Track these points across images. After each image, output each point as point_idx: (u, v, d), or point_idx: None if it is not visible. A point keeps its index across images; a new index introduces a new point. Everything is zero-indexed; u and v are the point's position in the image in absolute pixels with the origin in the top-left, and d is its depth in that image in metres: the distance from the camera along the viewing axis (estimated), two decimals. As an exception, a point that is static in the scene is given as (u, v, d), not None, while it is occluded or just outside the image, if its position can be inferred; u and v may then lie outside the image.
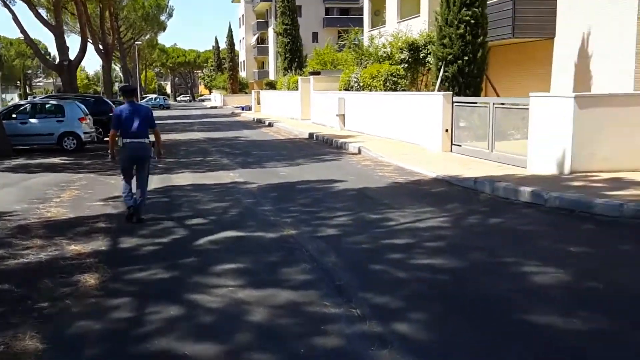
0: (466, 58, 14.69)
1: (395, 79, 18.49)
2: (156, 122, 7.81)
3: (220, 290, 4.90)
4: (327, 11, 64.20)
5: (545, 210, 7.80)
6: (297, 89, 29.64)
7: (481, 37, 14.88)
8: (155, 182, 10.88)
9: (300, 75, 31.92)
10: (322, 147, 17.28)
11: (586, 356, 3.61)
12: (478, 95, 15.01)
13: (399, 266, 5.46)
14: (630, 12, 15.55)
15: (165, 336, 3.99)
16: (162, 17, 63.73)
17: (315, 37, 60.18)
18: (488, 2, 15.54)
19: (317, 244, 6.26)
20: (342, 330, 4.00)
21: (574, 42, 17.63)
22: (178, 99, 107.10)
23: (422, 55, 19.03)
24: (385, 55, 20.44)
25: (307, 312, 4.35)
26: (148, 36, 66.56)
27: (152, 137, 7.76)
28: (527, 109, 10.65)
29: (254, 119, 34.36)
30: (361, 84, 20.45)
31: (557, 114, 9.83)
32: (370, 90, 19.52)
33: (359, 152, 15.04)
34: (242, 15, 78.57)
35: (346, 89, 21.87)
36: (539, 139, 10.27)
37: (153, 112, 8.09)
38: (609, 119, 9.75)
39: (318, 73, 29.19)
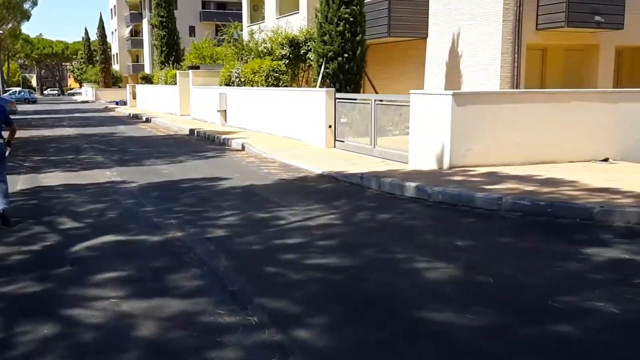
0: (346, 55, 14.87)
1: (277, 74, 18.36)
2: (21, 117, 7.12)
3: (102, 302, 4.48)
4: (204, 5, 62.90)
5: (429, 204, 8.00)
6: (176, 84, 28.69)
7: (360, 35, 15.14)
8: (20, 182, 9.98)
9: (178, 69, 30.92)
10: (204, 143, 16.78)
11: (483, 353, 3.64)
12: (358, 92, 15.27)
13: (293, 267, 5.31)
14: (496, 15, 16.50)
15: (39, 360, 3.56)
16: (26, 5, 59.31)
17: (192, 31, 58.74)
18: (366, 1, 15.83)
19: (206, 247, 5.96)
20: (240, 341, 3.77)
21: (445, 42, 18.45)
22: (45, 92, 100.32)
23: (302, 51, 19.05)
24: (266, 50, 20.26)
25: (200, 323, 4.07)
26: (10, 25, 61.61)
27: (5, 134, 7.05)
28: (408, 105, 10.92)
29: (129, 114, 32.82)
30: (242, 80, 20.12)
31: (436, 111, 10.15)
32: (252, 85, 19.25)
33: (243, 148, 14.75)
34: (114, 6, 75.01)
35: (227, 84, 21.44)
36: (419, 136, 10.56)
37: (18, 106, 7.35)
38: (484, 116, 10.22)
39: (197, 67, 28.43)
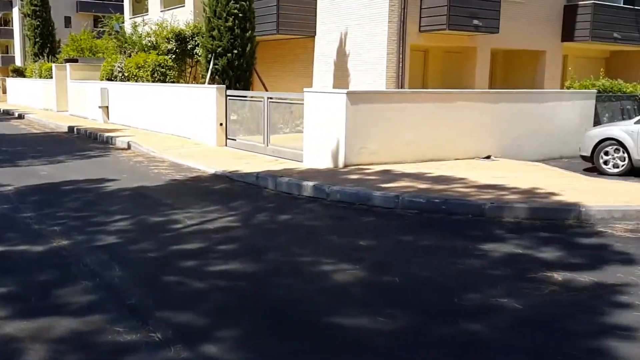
0: (236, 51, 14.58)
1: (164, 69, 17.65)
2: None
3: (-21, 325, 3.99)
4: (82, -6, 59.49)
5: (327, 204, 7.97)
6: (52, 78, 26.84)
7: (250, 31, 14.90)
8: None
9: (54, 62, 28.96)
10: (85, 142, 15.77)
11: (402, 358, 3.60)
12: (248, 89, 15.02)
13: (195, 275, 5.03)
14: (382, 16, 16.89)
15: None
16: None
17: (68, 21, 55.38)
18: (255, -3, 15.63)
19: (97, 256, 5.52)
20: (144, 361, 3.49)
21: (333, 41, 18.65)
22: None
23: (189, 46, 18.46)
24: (150, 44, 19.42)
25: (97, 344, 3.71)
26: None
27: None
28: (300, 104, 10.87)
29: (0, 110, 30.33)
30: (126, 74, 19.16)
31: (331, 109, 10.17)
32: (137, 80, 18.37)
33: (129, 147, 14.02)
34: (-22, -8, 69.07)
35: (109, 79, 20.33)
36: (314, 134, 10.53)
37: None
38: (377, 115, 10.37)
39: (75, 60, 26.77)
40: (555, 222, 6.90)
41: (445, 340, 3.78)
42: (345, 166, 9.97)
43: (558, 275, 4.98)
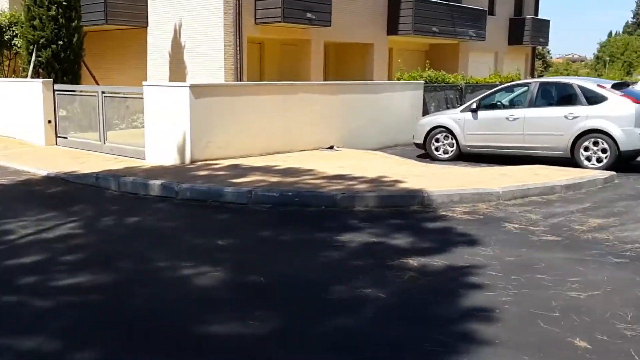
0: (61, 42, 13.50)
1: (-23, 62, 15.82)
2: None
3: None
4: None
5: (178, 203, 7.64)
6: None
7: (76, 21, 13.88)
8: None
9: None
10: None
11: None
12: (77, 82, 13.98)
13: (38, 293, 4.52)
14: (217, 7, 16.60)
15: None
16: None
17: None
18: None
19: None
20: (-8, 400, 3.04)
21: (167, 33, 18.00)
22: None
23: (7, 37, 16.70)
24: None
25: None
26: None
27: None
28: (141, 98, 10.32)
29: None
30: None
31: (174, 103, 9.76)
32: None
33: (-63, 150, 12.37)
34: None
35: None
36: (156, 130, 10.05)
37: None
38: (223, 108, 10.15)
39: None
40: (402, 208, 7.23)
41: (320, 338, 3.75)
42: (192, 162, 9.64)
43: (413, 261, 5.21)
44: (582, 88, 10.44)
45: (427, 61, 19.26)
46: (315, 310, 4.19)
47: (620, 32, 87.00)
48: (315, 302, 4.33)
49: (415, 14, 21.26)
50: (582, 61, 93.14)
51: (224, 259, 5.32)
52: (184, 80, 16.85)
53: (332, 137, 12.18)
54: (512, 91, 11.77)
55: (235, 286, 4.71)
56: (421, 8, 21.45)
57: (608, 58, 71.05)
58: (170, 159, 9.79)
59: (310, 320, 4.01)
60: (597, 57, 76.25)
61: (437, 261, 5.21)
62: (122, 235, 6.22)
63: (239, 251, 5.66)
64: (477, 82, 17.93)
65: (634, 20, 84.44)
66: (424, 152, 12.13)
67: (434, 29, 22.18)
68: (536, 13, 30.59)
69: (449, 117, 11.86)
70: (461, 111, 11.79)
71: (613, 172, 9.26)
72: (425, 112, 14.91)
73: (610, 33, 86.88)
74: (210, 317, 4.05)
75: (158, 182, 8.07)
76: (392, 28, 21.63)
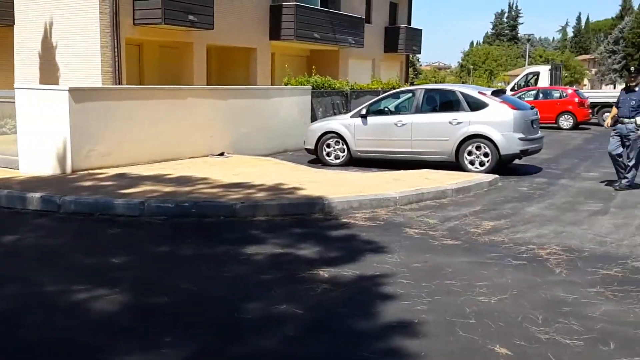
0: None
1: None
2: None
3: None
4: None
5: (61, 217, 7.02)
6: None
7: None
8: None
9: None
10: None
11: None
12: None
13: None
14: (92, 7, 15.71)
15: None
16: None
17: None
18: None
19: None
20: None
21: (36, 32, 16.80)
22: None
23: None
24: None
25: None
26: None
27: None
28: (12, 102, 9.42)
29: None
30: None
31: (52, 108, 9.00)
32: None
33: None
34: None
35: None
36: (31, 137, 9.21)
37: None
38: (106, 114, 9.52)
39: None
40: (304, 216, 7.13)
41: (240, 362, 3.52)
42: (74, 172, 8.94)
43: (324, 272, 5.09)
44: (464, 95, 10.92)
45: (314, 67, 19.40)
46: (230, 332, 3.93)
47: (481, 42, 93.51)
48: (229, 323, 4.07)
49: (296, 19, 21.39)
50: (447, 69, 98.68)
51: (121, 279, 4.90)
52: (57, 83, 15.75)
53: (222, 143, 11.86)
54: (399, 97, 12.10)
55: (138, 310, 4.33)
56: (302, 14, 21.62)
57: (472, 66, 75.75)
58: (48, 169, 9.01)
59: (227, 344, 3.75)
60: (461, 65, 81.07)
61: (348, 271, 5.14)
62: None
63: (136, 269, 5.25)
64: (361, 88, 18.34)
65: (493, 31, 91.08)
66: (315, 158, 12.14)
67: (315, 35, 22.43)
68: (409, 22, 31.96)
69: (340, 123, 11.95)
70: (351, 117, 11.92)
71: (496, 175, 9.76)
72: (313, 117, 14.98)
73: (472, 43, 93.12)
74: (116, 348, 3.67)
75: (37, 194, 7.37)
76: (275, 33, 21.61)
